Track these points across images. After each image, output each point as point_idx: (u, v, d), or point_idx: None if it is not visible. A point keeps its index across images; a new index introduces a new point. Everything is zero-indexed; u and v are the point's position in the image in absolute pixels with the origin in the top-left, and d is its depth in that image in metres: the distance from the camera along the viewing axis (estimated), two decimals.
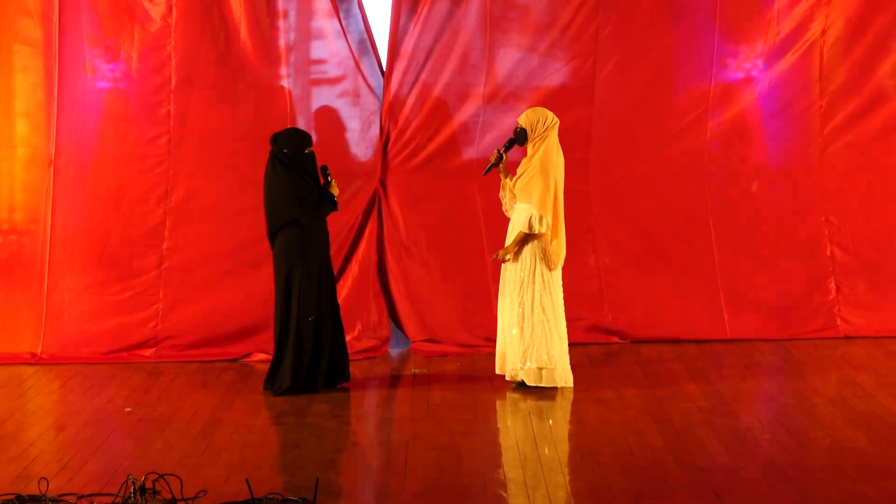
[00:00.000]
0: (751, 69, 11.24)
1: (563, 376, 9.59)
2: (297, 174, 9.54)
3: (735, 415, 8.95)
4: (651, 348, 10.93)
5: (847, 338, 11.09)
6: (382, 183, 11.03)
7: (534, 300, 9.52)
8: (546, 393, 9.52)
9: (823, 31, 11.17)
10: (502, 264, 9.68)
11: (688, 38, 11.17)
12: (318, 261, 9.58)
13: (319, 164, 9.74)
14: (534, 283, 9.52)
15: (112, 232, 10.86)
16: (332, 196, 9.64)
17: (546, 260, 9.52)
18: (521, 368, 9.55)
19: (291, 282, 9.55)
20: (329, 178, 9.67)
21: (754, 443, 8.27)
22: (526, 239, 9.52)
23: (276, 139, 9.64)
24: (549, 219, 9.46)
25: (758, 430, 8.52)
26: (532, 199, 9.47)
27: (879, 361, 10.37)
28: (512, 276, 9.59)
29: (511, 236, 9.62)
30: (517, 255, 9.55)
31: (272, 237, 9.63)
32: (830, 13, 11.14)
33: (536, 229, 9.47)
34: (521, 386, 9.62)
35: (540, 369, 9.54)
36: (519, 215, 9.57)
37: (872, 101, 11.24)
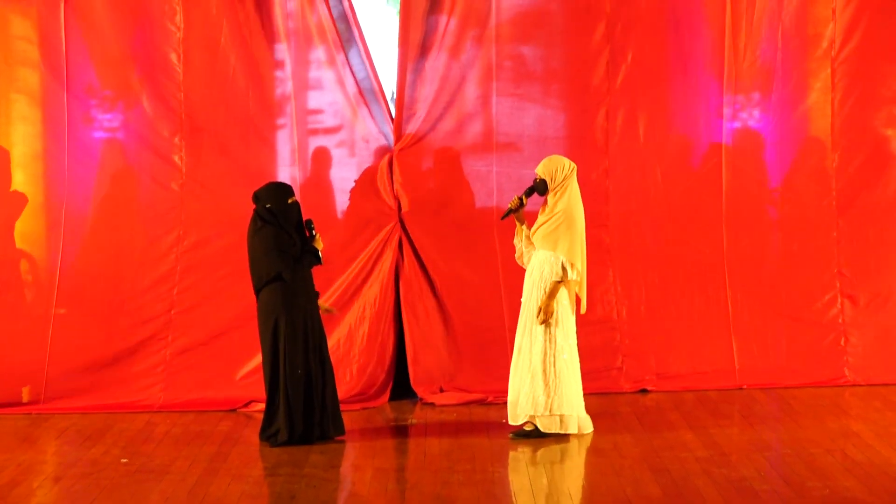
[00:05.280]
0: (749, 119, 11.28)
1: (585, 422, 9.67)
2: (280, 229, 9.54)
3: (733, 465, 8.92)
4: (649, 397, 10.91)
5: (847, 386, 11.10)
6: (403, 225, 11.01)
7: (557, 347, 9.54)
8: (543, 442, 9.50)
9: (834, 86, 11.22)
10: (521, 310, 9.67)
11: (697, 88, 11.21)
12: (302, 313, 9.57)
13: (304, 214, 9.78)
14: (556, 329, 9.54)
15: (123, 279, 10.88)
16: (316, 250, 9.63)
17: (571, 305, 9.54)
18: (543, 415, 9.53)
19: (277, 335, 9.54)
20: (314, 233, 9.67)
21: (752, 493, 8.24)
22: (555, 288, 9.52)
23: (258, 196, 9.65)
24: (579, 266, 9.49)
25: (755, 481, 8.50)
26: (560, 247, 9.50)
27: (878, 411, 10.34)
28: (531, 322, 9.59)
29: (529, 283, 9.61)
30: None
31: (257, 293, 9.63)
32: (840, 67, 11.21)
33: (570, 275, 9.48)
34: (519, 435, 9.60)
35: (561, 416, 9.55)
36: (544, 263, 9.57)
37: (885, 154, 11.27)
